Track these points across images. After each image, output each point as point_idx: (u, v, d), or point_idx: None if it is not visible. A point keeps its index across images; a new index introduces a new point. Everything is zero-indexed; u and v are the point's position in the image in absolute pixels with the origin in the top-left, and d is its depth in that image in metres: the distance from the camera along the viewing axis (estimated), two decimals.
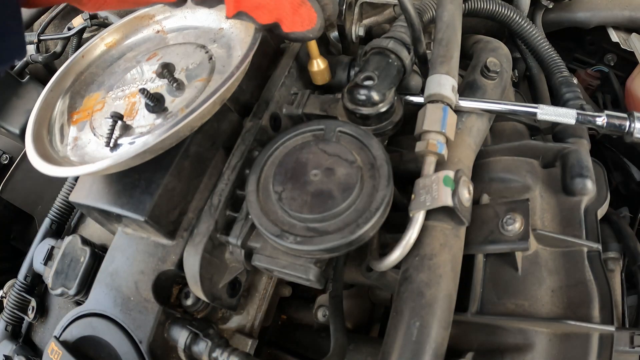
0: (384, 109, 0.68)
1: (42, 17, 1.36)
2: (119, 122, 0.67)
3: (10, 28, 0.49)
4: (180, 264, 0.65)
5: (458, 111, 0.69)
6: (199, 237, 0.63)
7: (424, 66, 0.74)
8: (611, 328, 0.54)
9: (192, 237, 0.64)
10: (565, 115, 0.65)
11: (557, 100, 0.81)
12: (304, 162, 0.61)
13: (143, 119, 0.67)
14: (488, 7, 0.86)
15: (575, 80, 0.87)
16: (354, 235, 0.55)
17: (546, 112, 0.66)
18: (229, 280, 0.67)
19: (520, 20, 0.87)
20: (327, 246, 0.55)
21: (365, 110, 0.67)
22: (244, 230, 0.63)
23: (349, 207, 0.57)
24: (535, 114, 0.66)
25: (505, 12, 0.87)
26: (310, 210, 0.57)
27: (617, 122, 0.65)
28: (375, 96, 0.67)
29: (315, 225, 0.57)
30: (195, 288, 0.64)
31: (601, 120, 0.65)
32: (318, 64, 0.77)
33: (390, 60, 0.71)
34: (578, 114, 0.65)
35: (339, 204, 0.56)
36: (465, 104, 0.69)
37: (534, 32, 0.87)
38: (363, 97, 0.67)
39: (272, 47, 0.82)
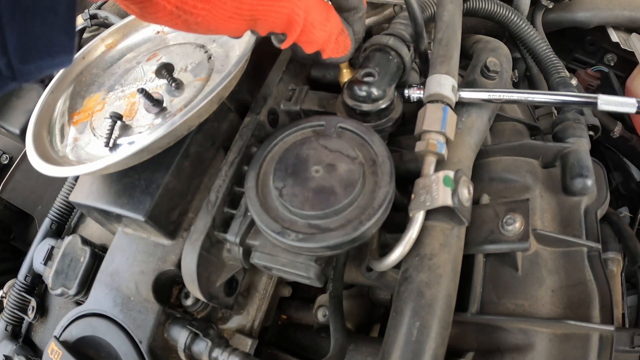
0: (384, 106, 0.67)
1: None
2: (118, 122, 0.67)
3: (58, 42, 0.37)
4: (180, 264, 0.65)
5: (461, 106, 0.69)
6: (196, 234, 0.62)
7: (425, 65, 0.74)
8: (611, 328, 0.54)
9: (189, 234, 0.63)
10: (627, 104, 0.63)
11: None
12: (305, 158, 0.60)
13: (142, 118, 0.68)
14: (486, 7, 0.86)
15: (574, 81, 0.87)
16: (356, 232, 0.54)
17: (607, 102, 0.64)
18: (226, 279, 0.67)
19: (518, 20, 0.87)
20: (329, 243, 0.55)
21: (365, 107, 0.67)
22: (243, 227, 0.62)
23: (352, 203, 0.57)
24: (595, 104, 0.65)
25: (503, 13, 0.87)
26: (312, 207, 0.56)
27: None
28: (376, 92, 0.67)
29: (317, 222, 0.57)
30: (192, 286, 0.63)
31: None
32: (349, 74, 0.77)
33: (390, 57, 0.70)
34: (638, 101, 0.63)
35: (341, 200, 0.56)
36: (524, 96, 0.67)
37: (531, 33, 0.87)
38: (363, 94, 0.67)
39: (271, 47, 0.82)
